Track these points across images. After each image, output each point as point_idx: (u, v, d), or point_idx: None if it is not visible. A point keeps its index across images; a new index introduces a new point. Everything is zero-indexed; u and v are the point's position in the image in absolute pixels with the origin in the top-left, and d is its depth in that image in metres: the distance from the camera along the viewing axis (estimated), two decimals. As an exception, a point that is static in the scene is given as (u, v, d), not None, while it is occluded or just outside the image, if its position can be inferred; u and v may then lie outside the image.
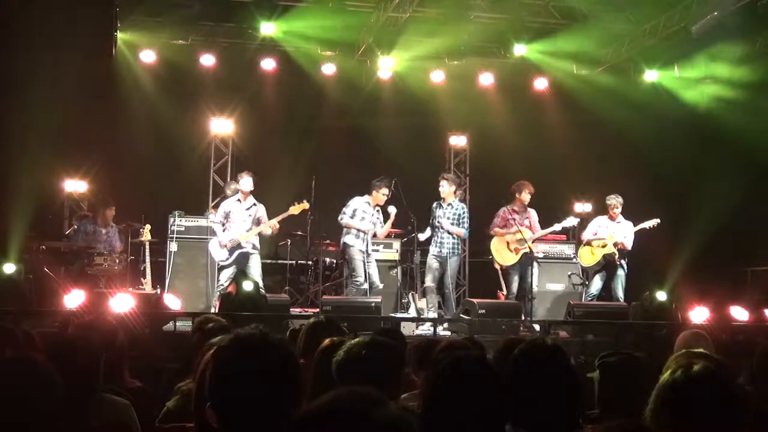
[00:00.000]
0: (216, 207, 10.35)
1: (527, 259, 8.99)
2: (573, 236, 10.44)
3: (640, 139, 11.22)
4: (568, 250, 10.30)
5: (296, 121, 11.25)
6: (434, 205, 9.23)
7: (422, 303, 9.28)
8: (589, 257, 9.43)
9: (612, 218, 9.39)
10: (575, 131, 11.31)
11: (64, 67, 9.34)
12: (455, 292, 9.99)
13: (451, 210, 9.09)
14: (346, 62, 11.57)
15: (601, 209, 9.74)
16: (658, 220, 9.22)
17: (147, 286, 9.12)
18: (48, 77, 9.19)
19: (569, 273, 10.24)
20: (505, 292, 9.85)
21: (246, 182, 8.94)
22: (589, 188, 10.93)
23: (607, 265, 9.30)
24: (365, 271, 8.97)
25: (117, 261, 9.03)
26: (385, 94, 11.69)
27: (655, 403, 2.16)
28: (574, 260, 9.98)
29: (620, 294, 9.19)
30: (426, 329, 8.46)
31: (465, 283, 12.21)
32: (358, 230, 8.98)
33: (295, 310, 9.29)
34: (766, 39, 10.12)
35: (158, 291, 8.85)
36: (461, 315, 8.64)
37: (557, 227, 9.22)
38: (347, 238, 9.03)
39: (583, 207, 11.95)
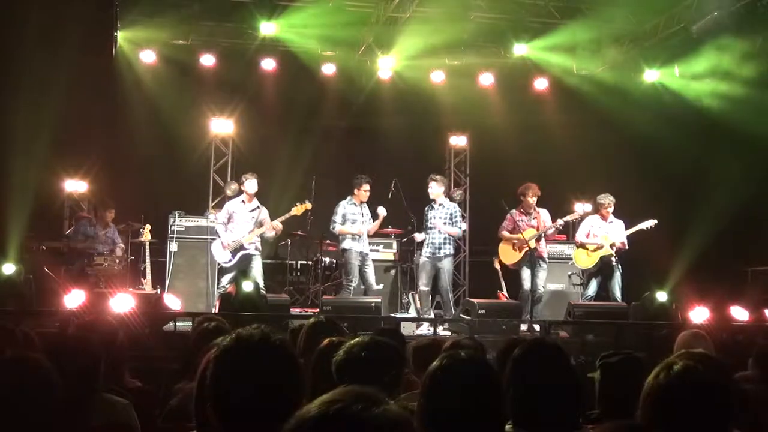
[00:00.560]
0: (216, 207, 10.37)
1: (533, 259, 8.99)
2: (573, 237, 10.43)
3: (640, 139, 11.22)
4: (568, 250, 10.30)
5: (296, 121, 11.26)
6: (426, 207, 9.22)
7: (419, 305, 9.26)
8: (585, 259, 9.37)
9: (604, 218, 9.34)
10: (575, 131, 11.30)
11: (64, 66, 9.33)
12: (454, 292, 10.00)
13: (443, 210, 9.08)
14: (346, 62, 11.57)
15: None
16: (655, 221, 9.19)
17: (147, 286, 9.12)
18: (48, 77, 9.18)
19: (569, 273, 10.25)
20: (505, 292, 9.86)
21: (251, 184, 8.93)
22: (589, 188, 10.91)
23: (603, 267, 9.27)
24: (358, 272, 8.99)
25: (117, 261, 9.04)
26: (385, 94, 11.68)
27: (642, 407, 2.15)
28: (573, 261, 9.96)
29: (618, 294, 9.17)
30: (426, 329, 8.46)
31: (465, 283, 12.22)
32: (353, 234, 9.01)
33: (295, 310, 9.30)
34: (766, 39, 10.10)
35: (158, 291, 8.85)
36: (461, 315, 8.65)
37: (559, 222, 9.20)
38: (345, 243, 9.08)
39: (583, 207, 11.94)
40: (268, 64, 11.30)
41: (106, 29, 10.17)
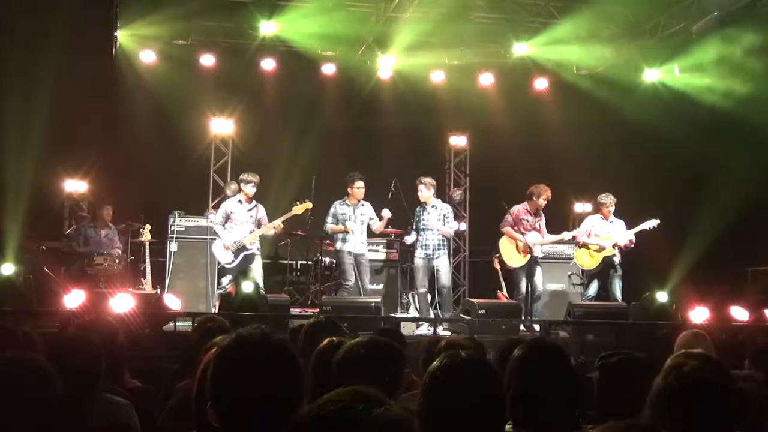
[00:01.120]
0: (216, 207, 10.35)
1: (533, 261, 9.04)
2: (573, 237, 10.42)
3: (640, 139, 11.22)
4: (568, 250, 10.30)
5: (296, 121, 11.25)
6: (417, 209, 9.22)
7: (418, 306, 9.25)
8: (588, 260, 9.35)
9: (605, 217, 9.34)
10: (575, 131, 11.30)
11: (63, 66, 9.33)
12: (454, 292, 10.00)
13: (435, 212, 9.09)
14: (346, 62, 11.57)
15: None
16: (658, 221, 9.19)
17: (147, 286, 9.12)
18: (48, 77, 9.18)
19: (569, 273, 10.25)
20: (505, 292, 9.86)
21: (252, 187, 8.92)
22: (589, 188, 10.92)
23: (605, 267, 9.26)
24: (354, 272, 8.99)
25: (117, 261, 9.03)
26: (385, 94, 11.68)
27: (652, 408, 2.15)
28: (574, 261, 9.96)
29: (618, 295, 9.17)
30: (426, 329, 8.46)
31: (465, 283, 12.22)
32: (344, 232, 9.01)
33: (295, 310, 9.30)
34: (766, 39, 10.09)
35: (158, 291, 8.84)
36: (461, 315, 8.64)
37: (566, 236, 9.23)
38: (337, 244, 9.12)
39: (583, 207, 11.95)
40: (268, 64, 11.30)
41: (106, 29, 10.17)
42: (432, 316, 8.98)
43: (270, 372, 1.86)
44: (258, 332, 1.93)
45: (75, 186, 10.64)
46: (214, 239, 9.18)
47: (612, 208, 9.29)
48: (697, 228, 10.20)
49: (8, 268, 8.05)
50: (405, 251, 10.45)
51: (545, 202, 9.15)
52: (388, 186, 9.69)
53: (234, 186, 10.44)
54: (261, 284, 8.66)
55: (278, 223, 8.92)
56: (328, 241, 10.11)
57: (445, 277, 9.05)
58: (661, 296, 8.44)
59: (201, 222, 10.07)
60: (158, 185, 10.55)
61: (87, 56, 9.64)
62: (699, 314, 8.08)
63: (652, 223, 9.18)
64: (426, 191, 9.07)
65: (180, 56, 11.01)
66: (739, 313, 8.46)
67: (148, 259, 9.29)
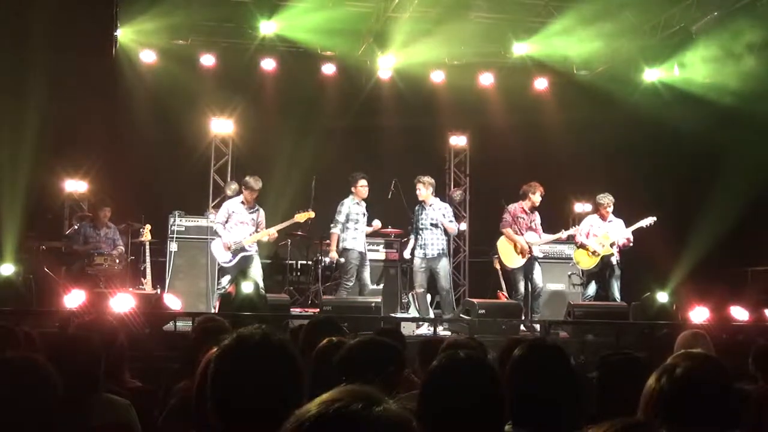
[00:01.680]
0: (216, 207, 10.35)
1: (530, 260, 9.04)
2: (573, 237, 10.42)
3: (640, 139, 11.22)
4: (568, 250, 10.30)
5: (296, 121, 11.25)
6: (416, 208, 9.21)
7: (418, 306, 9.25)
8: (587, 260, 9.33)
9: (603, 217, 9.32)
10: (575, 131, 11.30)
11: (64, 66, 9.33)
12: (455, 291, 9.98)
13: (434, 211, 9.08)
14: (346, 62, 11.58)
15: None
16: (654, 218, 9.16)
17: (147, 286, 9.12)
18: (48, 77, 9.18)
19: (569, 273, 10.24)
20: (505, 292, 9.86)
21: (252, 193, 8.91)
22: (589, 188, 10.92)
23: (603, 267, 9.25)
24: (357, 272, 8.99)
25: (117, 261, 9.02)
26: (385, 94, 11.69)
27: (644, 410, 2.14)
28: (573, 261, 9.95)
29: (617, 294, 9.15)
30: (426, 329, 8.46)
31: (465, 283, 12.22)
32: (356, 230, 9.02)
33: (295, 310, 9.29)
34: (766, 38, 10.09)
35: (158, 291, 8.84)
36: (461, 315, 8.64)
37: (563, 234, 9.23)
38: (346, 243, 9.05)
39: (583, 207, 11.95)
40: (268, 64, 11.31)
41: (106, 29, 10.17)
42: (432, 315, 8.97)
43: (270, 372, 1.86)
44: (258, 332, 1.93)
45: (75, 186, 10.65)
46: (215, 239, 9.18)
47: (611, 208, 9.27)
48: (698, 228, 10.20)
49: (8, 269, 8.05)
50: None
51: (540, 198, 9.14)
52: (388, 186, 9.69)
53: (234, 186, 10.44)
54: (261, 284, 8.66)
55: (273, 231, 8.92)
56: (328, 242, 10.11)
57: (444, 279, 9.04)
58: (662, 296, 8.44)
59: (201, 222, 10.07)
60: (158, 185, 10.55)
61: (87, 56, 9.64)
62: (699, 314, 8.08)
63: (649, 221, 9.15)
64: (424, 190, 9.06)
65: (180, 56, 11.02)
66: (739, 313, 8.46)
67: (148, 259, 9.29)
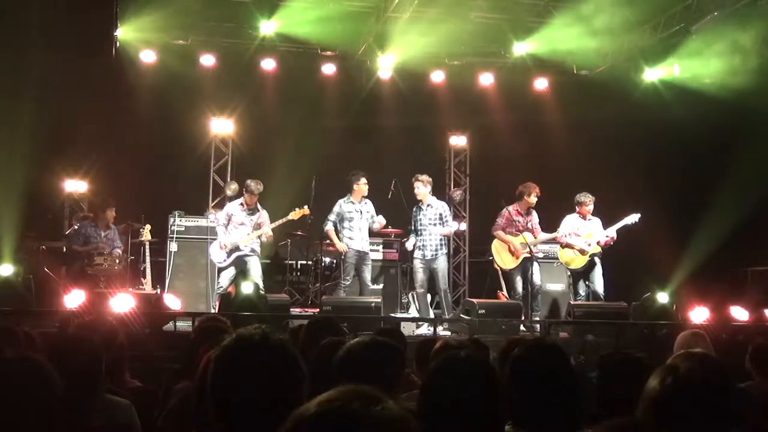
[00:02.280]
0: (216, 207, 10.37)
1: (527, 260, 9.02)
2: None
3: (640, 139, 11.21)
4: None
5: (296, 121, 11.25)
6: (414, 209, 9.20)
7: (418, 307, 9.24)
8: (577, 259, 9.27)
9: (583, 216, 9.28)
10: (575, 131, 11.30)
11: (64, 67, 9.33)
12: (454, 292, 9.98)
13: (432, 211, 9.07)
14: (346, 62, 11.58)
15: (602, 210, 9.57)
16: (639, 215, 9.08)
17: (147, 286, 9.12)
18: (48, 77, 9.18)
19: (569, 273, 10.23)
20: (505, 293, 9.85)
21: (252, 196, 8.92)
22: (589, 188, 10.91)
23: (588, 265, 9.20)
24: (353, 272, 8.98)
25: (117, 261, 9.02)
26: (385, 94, 11.68)
27: (644, 411, 2.14)
28: (559, 261, 9.86)
29: (600, 289, 9.06)
30: (426, 329, 8.46)
31: (465, 283, 12.22)
32: (351, 229, 9.01)
33: (295, 310, 9.29)
34: (765, 38, 10.09)
35: (158, 291, 8.84)
36: (461, 315, 8.64)
37: (558, 234, 9.20)
38: (345, 241, 9.04)
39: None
40: (268, 64, 11.30)
41: (106, 29, 10.15)
42: (432, 315, 8.97)
43: (270, 372, 1.86)
44: (258, 332, 1.93)
45: (75, 186, 10.65)
46: (214, 239, 9.19)
47: (591, 207, 9.22)
48: (698, 228, 10.19)
49: (8, 269, 8.05)
50: (405, 251, 10.44)
51: (536, 199, 9.13)
52: (388, 186, 9.69)
53: (234, 186, 10.44)
54: (260, 284, 8.66)
55: (268, 231, 8.92)
56: (328, 241, 10.11)
57: (442, 280, 9.04)
58: (662, 297, 8.43)
59: (201, 222, 10.07)
60: (158, 185, 10.55)
61: (87, 56, 9.63)
62: (699, 314, 8.08)
63: (633, 218, 9.09)
64: (423, 188, 9.05)
65: (180, 56, 11.01)
66: (739, 313, 8.46)
67: (148, 259, 9.29)
